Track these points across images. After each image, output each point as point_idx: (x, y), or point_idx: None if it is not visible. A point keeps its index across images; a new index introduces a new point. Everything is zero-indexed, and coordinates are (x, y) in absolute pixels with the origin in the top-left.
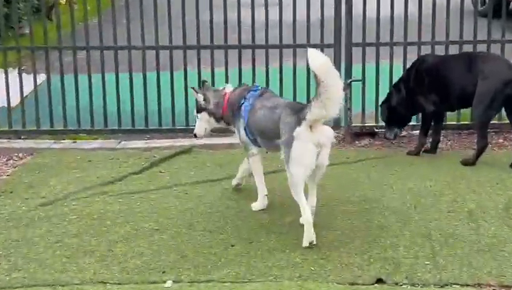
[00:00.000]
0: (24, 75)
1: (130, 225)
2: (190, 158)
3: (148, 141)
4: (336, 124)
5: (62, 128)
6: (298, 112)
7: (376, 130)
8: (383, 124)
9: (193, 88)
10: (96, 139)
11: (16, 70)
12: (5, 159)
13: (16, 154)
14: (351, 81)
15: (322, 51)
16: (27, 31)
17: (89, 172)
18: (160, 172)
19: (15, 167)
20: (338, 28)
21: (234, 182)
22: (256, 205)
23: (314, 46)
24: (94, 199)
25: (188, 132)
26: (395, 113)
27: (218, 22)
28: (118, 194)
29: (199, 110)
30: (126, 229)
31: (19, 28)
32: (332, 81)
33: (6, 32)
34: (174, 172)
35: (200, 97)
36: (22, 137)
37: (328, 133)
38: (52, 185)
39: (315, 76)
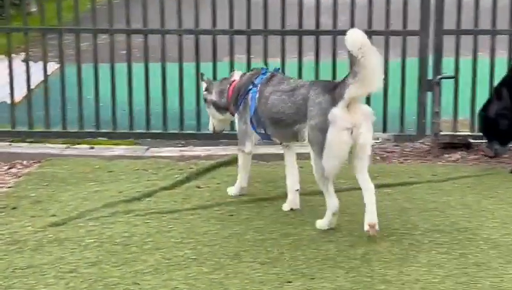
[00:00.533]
0: (31, 63)
1: (161, 253)
2: (235, 171)
3: (182, 148)
4: (420, 132)
5: (77, 130)
6: (331, 90)
7: (471, 141)
8: (481, 133)
9: (202, 74)
10: (118, 144)
11: (21, 58)
12: (6, 167)
13: (20, 161)
14: (440, 78)
15: (404, 39)
16: (34, 9)
17: (110, 185)
18: (198, 187)
19: (19, 177)
20: (425, 11)
21: (286, 207)
22: (232, 189)
23: (395, 33)
24: (116, 219)
25: (234, 138)
26: (495, 125)
27: (273, 2)
28: (146, 213)
29: (205, 101)
30: (156, 258)
31: (26, 5)
32: (371, 57)
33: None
34: (216, 188)
35: (203, 86)
36: (28, 140)
37: (366, 111)
38: (64, 200)
39: (351, 56)
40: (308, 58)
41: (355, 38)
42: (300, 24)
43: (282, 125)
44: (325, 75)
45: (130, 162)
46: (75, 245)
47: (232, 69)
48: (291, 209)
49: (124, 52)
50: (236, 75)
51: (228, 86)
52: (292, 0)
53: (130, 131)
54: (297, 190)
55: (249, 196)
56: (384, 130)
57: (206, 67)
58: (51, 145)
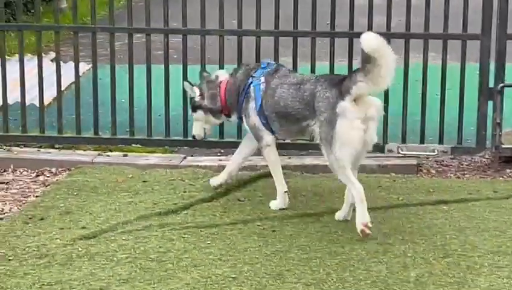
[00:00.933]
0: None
1: (198, 271)
2: None
3: (222, 157)
4: (479, 145)
5: (109, 136)
6: (338, 84)
7: None
8: None
9: (187, 81)
10: (153, 152)
11: (49, 57)
12: (34, 175)
13: (48, 168)
14: (502, 86)
15: (464, 43)
16: (64, 5)
17: (144, 197)
18: (239, 200)
19: (47, 186)
20: (487, 13)
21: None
22: (275, 203)
23: (454, 36)
24: (151, 232)
25: (279, 147)
26: None
27: (322, 2)
28: (183, 227)
29: (194, 108)
30: (192, 276)
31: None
32: (387, 58)
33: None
34: (258, 201)
35: (196, 92)
36: (57, 146)
37: (375, 104)
38: (95, 212)
39: (366, 57)
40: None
41: (369, 42)
42: (351, 25)
43: (290, 120)
44: None
45: (165, 172)
46: (106, 260)
47: None
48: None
49: (160, 52)
50: (222, 76)
51: (218, 88)
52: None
53: (166, 138)
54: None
55: (293, 211)
56: (441, 142)
57: None
58: (82, 152)
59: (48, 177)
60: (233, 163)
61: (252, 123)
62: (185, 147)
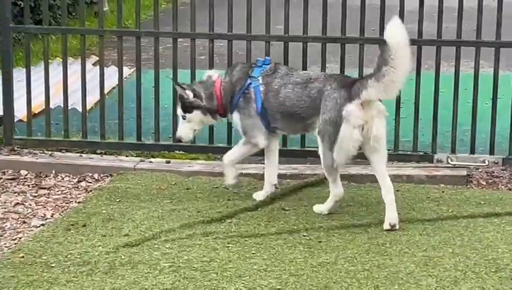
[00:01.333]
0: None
1: (243, 281)
2: (324, 193)
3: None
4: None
5: (153, 142)
6: (348, 86)
7: None
8: None
9: (178, 84)
10: (196, 159)
11: (91, 61)
12: (75, 180)
13: (91, 174)
14: None
15: None
16: (106, 8)
17: (188, 204)
18: (284, 210)
19: (89, 192)
20: None
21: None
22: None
23: (507, 44)
24: (195, 241)
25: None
26: None
27: (372, 6)
28: (227, 236)
29: (189, 109)
30: (237, 287)
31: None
32: (403, 62)
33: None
34: (303, 211)
35: (189, 94)
36: (99, 152)
37: (380, 108)
38: (138, 219)
39: (386, 51)
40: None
41: (400, 38)
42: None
43: (296, 119)
44: (426, 87)
45: (208, 179)
46: (149, 269)
47: None
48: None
49: (204, 57)
50: (214, 76)
51: (213, 88)
52: (392, 4)
53: (209, 145)
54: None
55: (340, 221)
56: (491, 152)
57: None
58: (124, 158)
59: (90, 183)
60: (270, 174)
61: (249, 121)
62: None
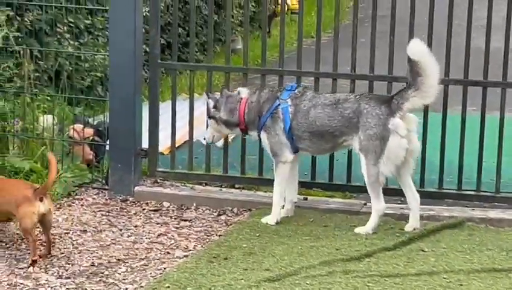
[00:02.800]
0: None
1: None
2: (463, 235)
3: (403, 205)
4: None
5: None
6: (387, 102)
7: None
8: None
9: (207, 93)
10: (333, 197)
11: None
12: (215, 214)
13: (230, 208)
14: None
15: None
16: (239, 46)
17: (326, 241)
18: (423, 251)
19: (229, 225)
20: None
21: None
22: (268, 218)
23: None
24: (335, 279)
25: (460, 198)
26: None
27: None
28: (366, 275)
29: (209, 117)
30: None
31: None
32: (433, 69)
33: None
34: (442, 253)
35: (210, 104)
36: (237, 186)
37: (414, 119)
38: (278, 254)
39: (414, 66)
40: None
41: (414, 48)
42: None
43: (326, 138)
44: None
45: (346, 217)
46: None
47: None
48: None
49: None
50: (244, 93)
51: (238, 104)
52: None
53: (346, 183)
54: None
55: (480, 265)
56: None
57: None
58: (263, 193)
59: (230, 217)
60: (289, 192)
61: (275, 139)
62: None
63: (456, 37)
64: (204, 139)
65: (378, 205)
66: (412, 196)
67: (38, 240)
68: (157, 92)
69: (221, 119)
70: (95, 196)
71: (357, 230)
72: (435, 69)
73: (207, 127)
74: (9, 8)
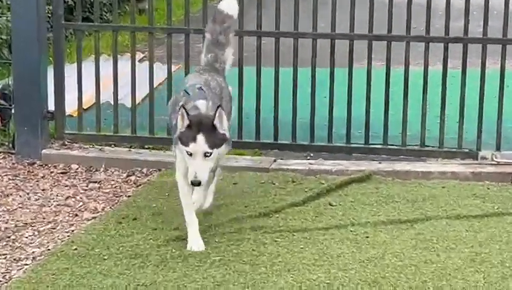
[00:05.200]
0: (145, 64)
1: (292, 275)
2: (370, 189)
3: (312, 161)
4: None
5: None
6: (217, 70)
7: None
8: None
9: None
10: (243, 154)
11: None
12: (125, 175)
13: (139, 168)
14: None
15: None
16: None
17: (235, 199)
18: (331, 205)
19: (138, 186)
20: None
21: None
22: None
23: None
24: (243, 235)
25: (370, 151)
26: None
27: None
28: (275, 231)
29: None
30: (287, 281)
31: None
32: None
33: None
34: (349, 207)
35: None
36: (147, 146)
37: None
38: None
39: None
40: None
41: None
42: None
43: None
44: (471, 85)
45: (255, 175)
46: (200, 262)
47: (368, 76)
48: None
49: (248, 54)
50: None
51: None
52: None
53: (255, 141)
54: None
55: (386, 217)
56: None
57: (341, 72)
58: (172, 153)
59: (139, 177)
60: None
61: None
62: (276, 150)
63: None
64: None
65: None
66: None
67: None
68: (62, 53)
69: None
70: (1, 160)
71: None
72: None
73: None
74: None
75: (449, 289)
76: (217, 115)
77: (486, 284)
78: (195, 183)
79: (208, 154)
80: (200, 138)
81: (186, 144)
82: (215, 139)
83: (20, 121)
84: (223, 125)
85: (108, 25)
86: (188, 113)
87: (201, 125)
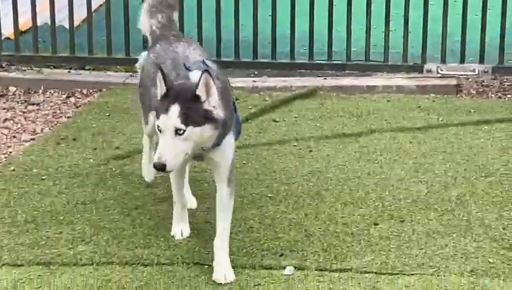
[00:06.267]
0: None
1: (236, 190)
2: (315, 104)
3: (256, 78)
4: None
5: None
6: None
7: None
8: None
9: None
10: None
11: None
12: (64, 96)
13: (79, 89)
14: None
15: None
16: None
17: None
18: (274, 121)
19: (78, 107)
20: None
21: None
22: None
23: None
24: None
25: (315, 67)
26: None
27: None
28: None
29: None
30: None
31: None
32: None
33: None
34: (293, 122)
35: None
36: (87, 67)
37: None
38: (128, 133)
39: None
40: None
41: None
42: None
43: None
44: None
45: None
46: (141, 180)
47: None
48: None
49: None
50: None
51: None
52: None
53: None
54: None
55: (330, 131)
56: (481, 61)
57: None
58: (113, 73)
59: (79, 98)
60: None
61: None
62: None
63: None
64: None
65: None
66: None
67: None
68: None
69: None
70: None
71: None
72: None
73: None
74: None
75: (392, 199)
76: (201, 82)
77: (429, 194)
78: (159, 167)
79: (180, 132)
80: (174, 108)
81: (157, 117)
82: (193, 114)
83: None
84: (212, 99)
85: None
86: (166, 79)
87: (179, 94)
